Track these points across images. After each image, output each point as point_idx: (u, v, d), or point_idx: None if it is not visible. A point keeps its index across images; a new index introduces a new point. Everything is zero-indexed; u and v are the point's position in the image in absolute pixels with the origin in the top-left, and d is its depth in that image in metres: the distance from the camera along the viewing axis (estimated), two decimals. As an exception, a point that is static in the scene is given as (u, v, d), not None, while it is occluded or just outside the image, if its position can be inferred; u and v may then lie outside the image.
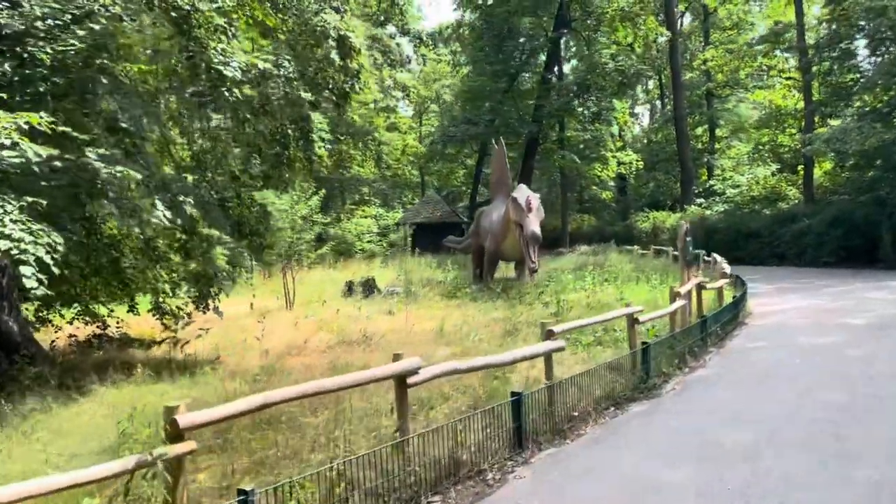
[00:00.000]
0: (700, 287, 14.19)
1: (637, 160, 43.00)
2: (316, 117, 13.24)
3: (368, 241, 46.26)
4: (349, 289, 23.14)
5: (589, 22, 35.44)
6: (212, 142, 13.05)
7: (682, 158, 44.69)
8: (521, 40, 35.24)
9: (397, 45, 39.27)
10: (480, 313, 16.09)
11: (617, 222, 47.77)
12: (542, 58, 38.70)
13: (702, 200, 41.83)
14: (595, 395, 8.95)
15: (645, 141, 60.81)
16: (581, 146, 39.64)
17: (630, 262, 27.78)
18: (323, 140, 13.64)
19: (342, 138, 42.41)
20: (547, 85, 36.35)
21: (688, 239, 13.45)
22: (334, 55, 12.00)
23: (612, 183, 46.35)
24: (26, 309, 14.79)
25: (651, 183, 54.28)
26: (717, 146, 50.95)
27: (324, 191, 27.55)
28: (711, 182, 44.49)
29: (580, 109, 35.31)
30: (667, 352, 10.96)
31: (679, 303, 12.19)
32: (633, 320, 10.35)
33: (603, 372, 9.42)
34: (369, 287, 23.20)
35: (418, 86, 54.02)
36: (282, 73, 11.62)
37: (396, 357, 6.71)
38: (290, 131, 12.36)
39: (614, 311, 10.67)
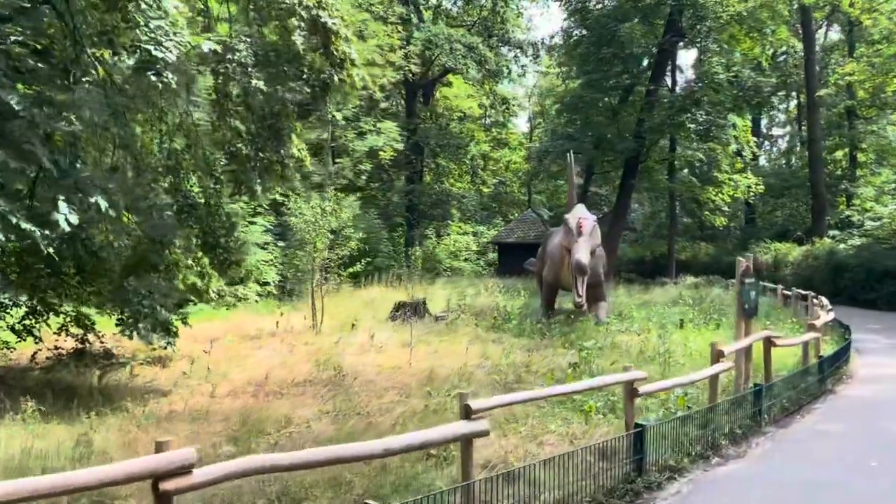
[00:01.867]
0: (769, 343, 11.01)
1: (757, 184, 38.39)
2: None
3: (465, 260, 44.17)
4: (397, 310, 21.07)
5: (701, 28, 31.75)
6: (186, 139, 11.35)
7: (815, 184, 39.71)
8: (627, 51, 32.09)
9: (496, 55, 37.10)
10: (505, 354, 13.50)
11: (735, 252, 43.08)
12: (647, 69, 35.35)
13: (835, 232, 36.78)
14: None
15: (775, 164, 55.27)
16: (692, 166, 35.80)
17: (732, 300, 24.05)
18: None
19: (437, 150, 40.79)
20: (651, 98, 32.92)
21: (746, 280, 10.35)
22: (298, 39, 9.95)
23: (726, 208, 41.79)
24: (10, 315, 13.73)
25: (778, 211, 48.96)
26: (858, 172, 45.14)
27: (353, 200, 25.54)
28: (848, 212, 39.17)
29: (691, 126, 31.62)
30: (681, 436, 8.06)
31: (721, 366, 9.20)
32: (631, 390, 7.59)
33: (583, 459, 6.79)
34: (418, 310, 21.04)
35: (520, 98, 51.52)
36: (236, 57, 9.74)
37: (159, 447, 4.49)
38: (259, 129, 10.45)
39: (609, 377, 7.90)
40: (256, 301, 26.11)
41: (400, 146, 32.09)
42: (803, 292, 22.10)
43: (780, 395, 10.62)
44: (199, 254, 11.47)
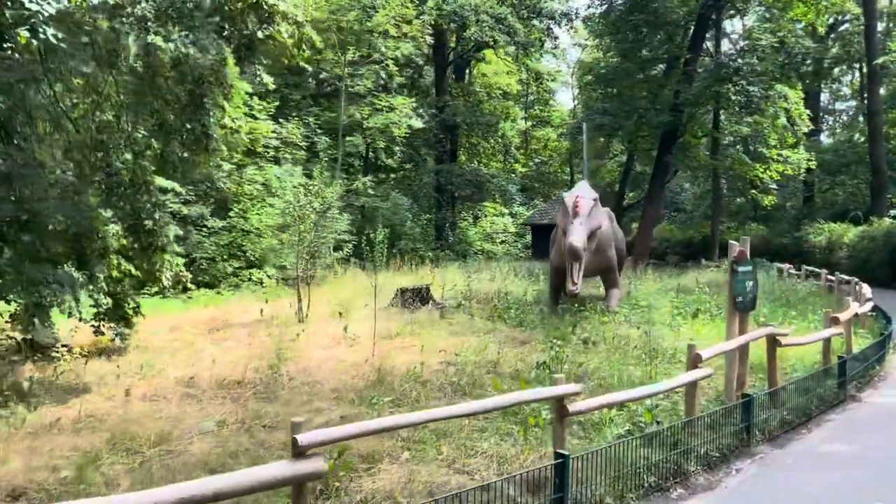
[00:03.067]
0: (774, 342, 9.26)
1: (809, 159, 35.56)
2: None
3: (502, 243, 42.47)
4: (402, 297, 19.73)
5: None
6: (115, 111, 10.17)
7: (875, 160, 36.76)
8: (663, 18, 29.77)
9: (526, 27, 35.05)
10: (477, 351, 11.97)
11: (787, 234, 40.32)
12: (685, 37, 32.84)
13: (896, 212, 33.97)
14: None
15: (839, 141, 51.67)
16: (737, 142, 33.33)
17: (769, 286, 21.92)
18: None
19: (466, 128, 39.10)
20: (689, 68, 30.52)
21: (740, 269, 8.59)
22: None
23: (774, 186, 38.98)
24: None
25: (838, 189, 45.72)
26: (925, 147, 41.76)
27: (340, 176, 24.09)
28: (913, 190, 36.20)
29: (734, 97, 29.15)
30: (636, 461, 6.50)
31: (696, 373, 7.57)
32: (560, 408, 6.07)
33: (500, 494, 5.38)
34: (421, 296, 19.68)
35: (563, 74, 49.25)
36: (137, 10, 8.45)
37: None
38: (177, 94, 9.17)
39: (530, 392, 6.35)
40: (262, 285, 25.21)
41: (418, 124, 30.52)
42: (846, 278, 19.90)
43: (784, 405, 8.91)
44: (126, 239, 10.31)
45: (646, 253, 31.38)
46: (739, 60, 29.30)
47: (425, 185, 38.94)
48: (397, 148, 44.81)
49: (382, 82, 29.94)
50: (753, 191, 37.81)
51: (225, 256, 26.78)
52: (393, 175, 44.55)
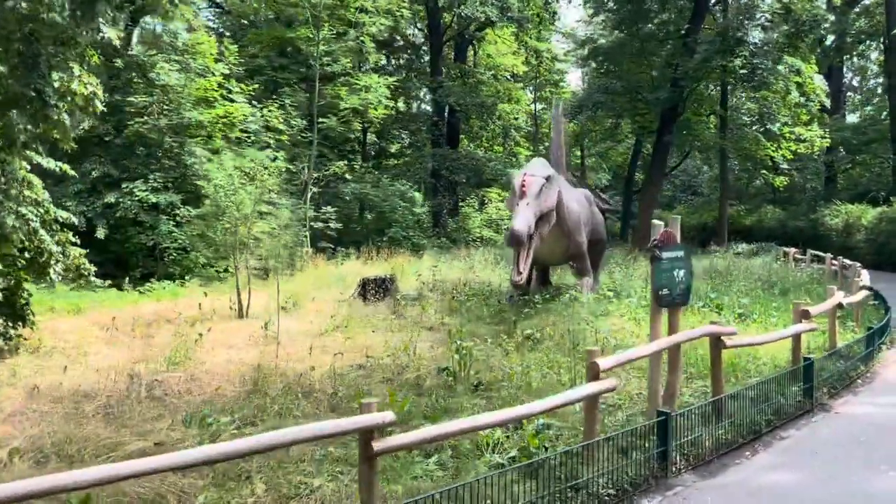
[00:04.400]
0: (718, 343, 7.68)
1: (823, 136, 33.36)
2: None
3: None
4: (363, 289, 18.34)
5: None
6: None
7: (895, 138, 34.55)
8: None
9: (524, 1, 33.19)
10: (391, 352, 10.48)
11: (803, 216, 38.12)
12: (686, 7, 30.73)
13: (918, 192, 31.80)
14: None
15: (863, 118, 49.02)
16: (743, 119, 31.27)
17: (766, 272, 20.14)
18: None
19: (461, 110, 37.41)
20: (688, 39, 28.48)
21: (664, 255, 6.99)
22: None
23: (785, 166, 36.73)
24: None
25: (860, 169, 43.31)
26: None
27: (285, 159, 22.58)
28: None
29: (741, 70, 27.11)
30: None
31: (593, 387, 6.04)
32: (366, 442, 4.59)
33: None
34: (385, 288, 18.27)
35: (556, 53, 47.24)
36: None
37: None
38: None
39: (325, 424, 4.81)
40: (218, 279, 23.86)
41: (397, 104, 28.89)
42: (848, 263, 18.10)
43: (724, 420, 7.34)
44: None
45: (646, 237, 29.58)
46: (743, 30, 27.22)
47: (419, 170, 37.43)
48: (395, 133, 43.54)
49: (359, 61, 28.40)
50: (765, 171, 35.68)
51: (199, 247, 25.64)
52: (396, 161, 43.15)
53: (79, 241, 11.86)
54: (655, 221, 7.34)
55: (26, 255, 10.90)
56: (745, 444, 7.31)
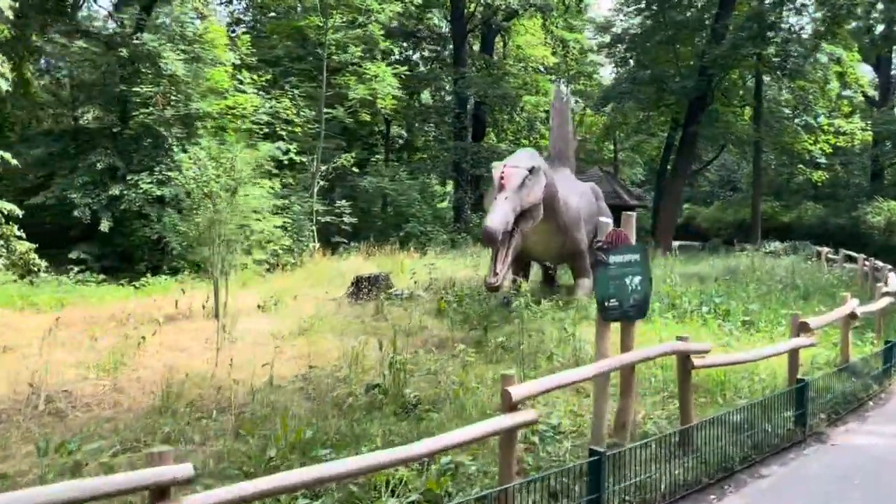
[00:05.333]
0: (686, 363, 6.55)
1: (864, 129, 31.37)
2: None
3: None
4: (356, 286, 17.46)
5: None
6: None
7: (946, 130, 32.37)
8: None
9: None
10: (360, 362, 9.54)
11: (843, 214, 36.07)
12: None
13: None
14: None
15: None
16: (778, 110, 29.48)
17: (791, 273, 18.64)
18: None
19: (479, 101, 36.23)
20: (717, 25, 26.83)
21: (612, 260, 5.85)
22: None
23: (823, 160, 34.66)
24: None
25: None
26: None
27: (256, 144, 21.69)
28: None
29: (774, 58, 25.43)
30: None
31: (499, 422, 4.99)
32: (155, 501, 3.61)
33: None
34: (377, 286, 17.35)
35: (584, 43, 45.60)
36: None
37: None
38: None
39: (109, 481, 3.82)
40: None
41: (419, 96, 27.82)
42: (880, 264, 16.60)
43: (688, 454, 6.22)
44: None
45: (669, 233, 28.12)
46: (778, 15, 25.50)
47: (442, 164, 36.45)
48: (419, 126, 42.51)
49: (369, 50, 27.41)
50: (801, 165, 33.79)
51: (172, 240, 25.05)
52: (422, 155, 42.19)
53: (24, 235, 11.14)
54: (602, 219, 6.24)
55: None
56: (711, 484, 6.18)
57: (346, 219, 28.61)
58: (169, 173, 23.48)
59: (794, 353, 8.07)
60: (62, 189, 23.58)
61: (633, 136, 45.79)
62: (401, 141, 41.99)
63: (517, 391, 5.04)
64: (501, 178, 11.87)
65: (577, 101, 53.71)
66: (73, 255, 22.67)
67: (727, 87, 29.24)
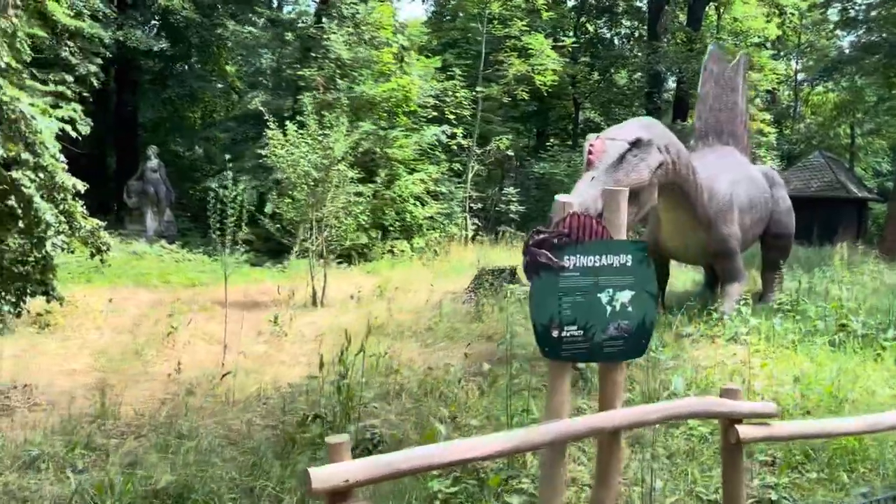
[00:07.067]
0: (731, 425, 4.02)
1: None
2: None
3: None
4: (477, 280, 15.71)
5: None
6: None
7: None
8: None
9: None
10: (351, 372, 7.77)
11: None
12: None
13: None
14: None
15: None
16: None
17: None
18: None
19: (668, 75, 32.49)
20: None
21: (566, 262, 3.47)
22: None
23: None
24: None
25: None
26: None
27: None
28: None
29: None
30: None
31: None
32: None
33: None
34: (504, 279, 15.43)
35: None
36: None
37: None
38: None
39: None
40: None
41: (558, 67, 25.18)
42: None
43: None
44: None
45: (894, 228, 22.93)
46: None
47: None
48: (608, 108, 39.35)
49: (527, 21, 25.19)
50: None
51: (365, 226, 24.63)
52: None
53: (88, 212, 10.65)
54: (560, 197, 3.91)
55: (20, 224, 9.94)
56: None
57: (514, 207, 27.02)
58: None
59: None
60: (235, 171, 24.28)
61: (875, 118, 38.96)
62: (591, 125, 39.26)
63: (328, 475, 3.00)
64: (590, 152, 9.32)
65: (803, 80, 47.21)
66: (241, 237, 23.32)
67: None
